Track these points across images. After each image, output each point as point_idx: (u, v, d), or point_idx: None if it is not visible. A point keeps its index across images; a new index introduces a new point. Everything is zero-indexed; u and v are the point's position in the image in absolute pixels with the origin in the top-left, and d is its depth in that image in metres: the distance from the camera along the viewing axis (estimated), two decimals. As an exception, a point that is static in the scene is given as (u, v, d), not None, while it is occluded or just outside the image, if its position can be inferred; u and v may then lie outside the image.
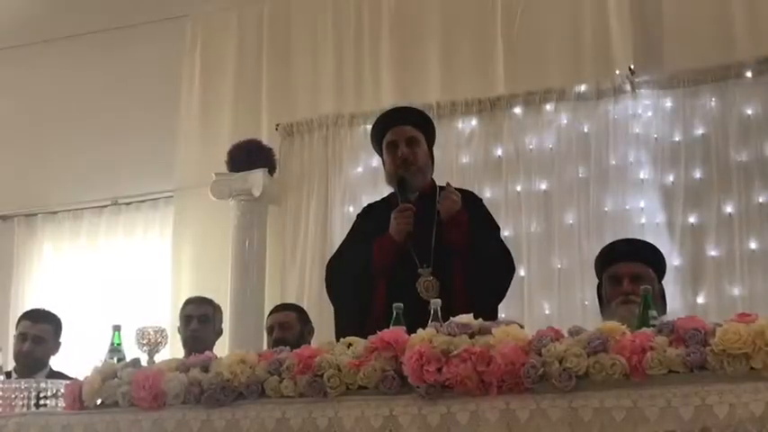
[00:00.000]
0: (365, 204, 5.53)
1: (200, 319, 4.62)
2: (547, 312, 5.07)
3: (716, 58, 5.16)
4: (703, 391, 2.25)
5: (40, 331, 4.51)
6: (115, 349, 3.10)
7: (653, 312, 2.65)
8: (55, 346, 4.60)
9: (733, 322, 2.33)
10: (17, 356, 4.48)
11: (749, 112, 5.02)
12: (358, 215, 3.98)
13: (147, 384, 2.77)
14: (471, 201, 3.80)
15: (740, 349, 2.25)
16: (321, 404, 2.57)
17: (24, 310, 5.04)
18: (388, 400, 2.52)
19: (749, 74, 5.03)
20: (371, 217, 3.79)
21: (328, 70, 6.13)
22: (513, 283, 5.17)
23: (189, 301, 4.82)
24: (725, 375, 2.26)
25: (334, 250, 5.51)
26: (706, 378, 2.28)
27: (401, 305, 2.87)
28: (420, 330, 2.61)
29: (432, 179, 3.79)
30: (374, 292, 3.50)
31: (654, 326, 2.49)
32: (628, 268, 3.43)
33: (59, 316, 4.71)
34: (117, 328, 3.15)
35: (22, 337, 4.48)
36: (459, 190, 3.84)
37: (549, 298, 5.21)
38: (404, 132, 3.68)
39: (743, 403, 2.20)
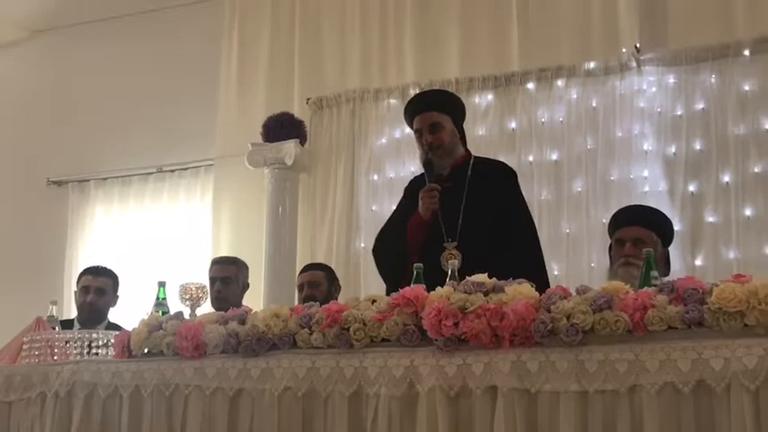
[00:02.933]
0: (390, 173, 5.57)
1: (222, 281, 4.62)
2: (556, 273, 5.05)
3: (716, 38, 5.12)
4: (700, 346, 2.25)
5: (102, 284, 4.57)
6: (160, 303, 3.14)
7: (654, 273, 2.64)
8: (113, 299, 4.66)
9: (729, 283, 2.32)
10: (80, 308, 4.54)
11: (746, 88, 4.98)
12: (405, 188, 3.92)
13: (190, 335, 2.79)
14: (503, 178, 3.71)
15: (735, 307, 2.25)
16: (347, 355, 2.59)
17: (79, 267, 5.08)
18: (408, 352, 2.53)
19: (747, 52, 4.99)
20: (412, 193, 3.76)
21: (355, 48, 6.11)
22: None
23: (214, 262, 4.84)
24: (720, 331, 2.26)
25: (358, 215, 5.62)
26: (703, 334, 2.28)
27: (421, 265, 2.87)
28: (439, 288, 2.62)
29: (466, 151, 3.73)
30: (408, 267, 3.49)
31: (655, 285, 2.48)
32: (630, 232, 3.43)
33: (116, 272, 4.75)
34: (162, 284, 3.19)
35: (84, 290, 4.53)
36: (493, 162, 3.83)
37: (559, 260, 5.20)
38: (427, 119, 3.64)
39: (737, 357, 2.20)
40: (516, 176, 3.75)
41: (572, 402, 2.31)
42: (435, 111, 3.66)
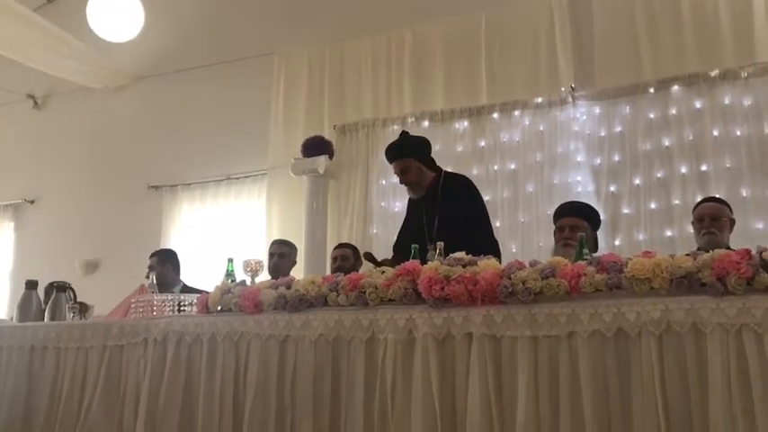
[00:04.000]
0: (394, 179, 5.54)
1: (279, 255, 4.61)
2: (514, 251, 5.05)
3: (629, 79, 5.11)
4: (619, 303, 2.25)
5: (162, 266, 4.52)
6: (229, 274, 3.13)
7: (586, 251, 2.63)
8: (176, 273, 4.64)
9: (639, 257, 2.31)
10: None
11: (651, 116, 4.95)
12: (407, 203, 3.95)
13: (250, 297, 2.80)
14: (463, 188, 3.69)
15: (644, 275, 2.24)
16: (364, 311, 2.60)
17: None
18: (408, 308, 2.54)
19: (652, 90, 4.96)
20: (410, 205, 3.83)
21: (368, 87, 6.11)
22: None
23: (273, 242, 4.83)
24: (634, 292, 2.25)
25: (372, 209, 5.62)
26: (621, 294, 2.27)
27: (417, 245, 2.86)
28: (429, 263, 2.61)
29: (437, 170, 3.71)
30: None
31: (587, 260, 2.47)
32: (568, 221, 3.41)
33: (179, 256, 4.75)
34: (230, 260, 3.18)
35: (150, 269, 4.40)
36: (455, 175, 3.79)
37: (516, 242, 5.19)
38: (397, 167, 3.66)
39: (646, 311, 2.20)
40: (472, 185, 3.73)
41: (526, 344, 2.31)
42: (400, 158, 3.63)
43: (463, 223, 3.39)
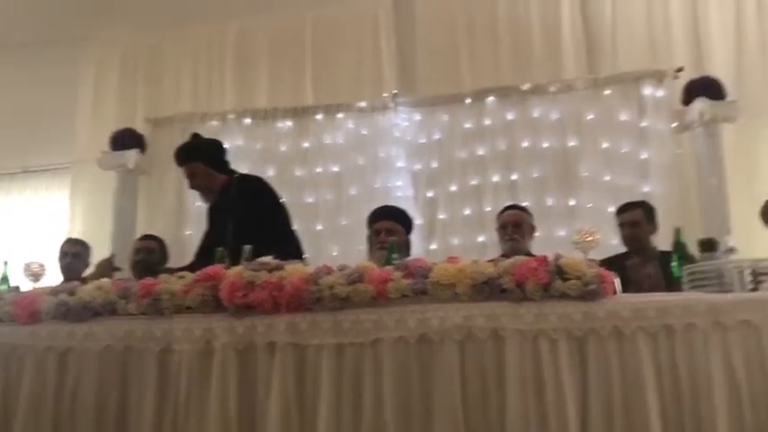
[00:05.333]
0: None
1: (73, 255, 4.21)
2: (335, 254, 4.97)
3: (448, 89, 5.22)
4: (424, 309, 2.23)
5: None
6: (4, 279, 2.75)
7: (395, 255, 2.60)
8: None
9: (444, 263, 2.31)
10: None
11: (468, 125, 5.08)
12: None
13: (26, 305, 2.48)
14: (258, 189, 3.52)
15: (448, 280, 2.24)
16: (158, 320, 2.39)
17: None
18: (207, 317, 2.36)
19: (469, 100, 5.10)
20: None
21: (187, 80, 5.80)
22: (312, 233, 5.16)
23: (66, 241, 4.40)
24: (438, 298, 2.24)
25: (186, 209, 5.30)
26: (426, 300, 2.25)
27: (222, 248, 2.68)
28: (233, 267, 2.45)
29: (229, 173, 3.53)
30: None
31: (395, 265, 2.43)
32: (383, 224, 3.40)
33: None
34: (6, 263, 2.80)
35: None
36: (248, 176, 3.65)
37: (338, 244, 5.12)
38: (185, 172, 3.50)
39: (449, 316, 2.20)
40: (266, 184, 3.59)
41: (331, 352, 2.23)
42: (188, 163, 3.47)
43: (256, 224, 3.23)
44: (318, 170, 5.32)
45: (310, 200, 5.25)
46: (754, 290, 2.19)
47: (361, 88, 5.46)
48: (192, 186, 3.47)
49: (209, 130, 5.31)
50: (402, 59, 5.46)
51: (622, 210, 3.74)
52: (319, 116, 5.38)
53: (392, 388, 2.14)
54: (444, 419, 2.09)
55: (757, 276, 2.20)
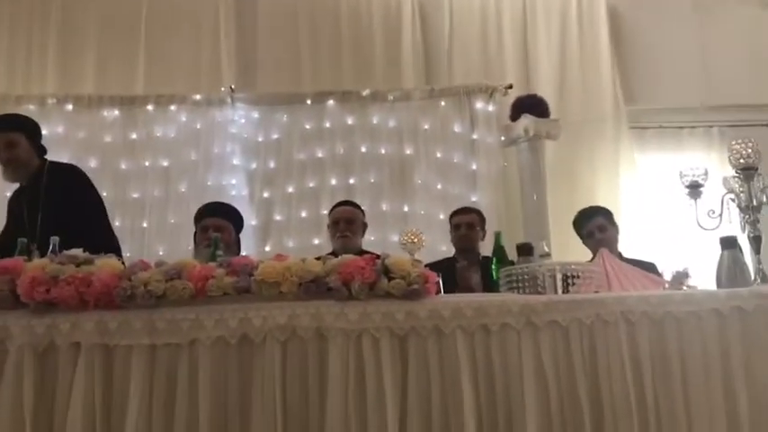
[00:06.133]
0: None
1: None
2: (161, 253, 4.72)
3: (290, 87, 5.17)
4: (246, 308, 2.14)
5: None
6: None
7: (219, 252, 2.49)
8: None
9: (271, 260, 2.25)
10: None
11: (307, 126, 5.06)
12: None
13: None
14: (74, 179, 3.27)
15: (274, 278, 2.17)
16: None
17: None
18: (2, 314, 2.13)
19: (309, 101, 5.08)
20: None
21: (2, 59, 5.27)
22: (137, 231, 4.89)
23: None
24: (262, 296, 2.17)
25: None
26: (250, 298, 2.17)
27: (26, 240, 2.44)
28: (37, 260, 2.23)
29: (42, 160, 3.25)
30: None
31: (219, 262, 2.33)
32: (210, 221, 3.30)
33: None
34: None
35: None
36: (61, 164, 3.38)
37: (165, 243, 4.87)
38: (4, 140, 3.14)
39: (273, 316, 2.13)
40: (83, 174, 3.34)
41: (143, 354, 2.08)
42: (9, 132, 3.14)
43: (68, 216, 2.99)
44: (146, 164, 5.05)
45: (136, 195, 4.98)
46: (565, 292, 2.32)
47: (197, 81, 5.27)
48: (8, 159, 3.11)
49: (25, 113, 4.86)
50: (242, 54, 5.34)
51: (459, 212, 3.90)
52: (150, 107, 5.11)
53: (208, 391, 2.04)
54: (262, 422, 2.02)
55: (568, 279, 2.34)
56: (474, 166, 4.99)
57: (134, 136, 5.08)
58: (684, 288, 2.44)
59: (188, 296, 2.14)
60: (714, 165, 4.59)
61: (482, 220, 3.90)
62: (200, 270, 2.19)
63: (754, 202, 2.51)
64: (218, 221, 3.28)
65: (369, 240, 4.42)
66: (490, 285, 2.69)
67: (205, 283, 2.16)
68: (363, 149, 5.03)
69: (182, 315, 2.11)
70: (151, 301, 2.12)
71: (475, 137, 5.03)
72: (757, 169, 2.51)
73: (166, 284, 2.14)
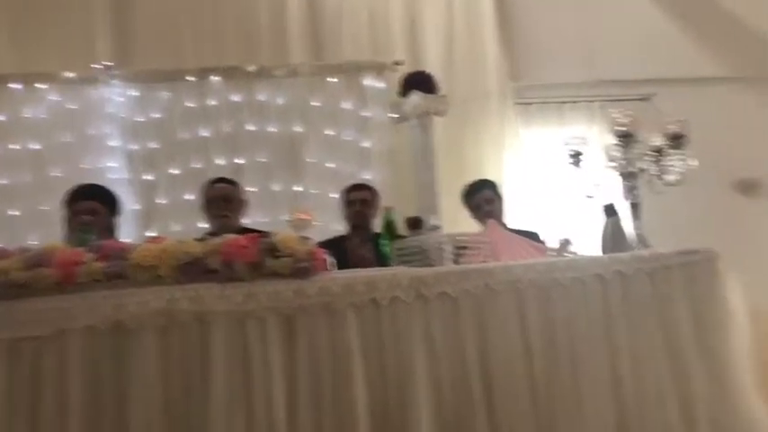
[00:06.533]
0: None
1: None
2: (33, 243, 4.37)
3: (170, 64, 4.89)
4: (120, 294, 2.00)
5: None
6: None
7: (92, 237, 2.32)
8: None
9: (146, 243, 2.11)
10: None
11: (191, 104, 4.82)
12: None
13: None
14: None
15: (150, 262, 2.05)
16: None
17: None
18: None
19: (192, 78, 4.84)
20: None
21: None
22: (5, 219, 4.56)
23: None
24: (138, 282, 2.03)
25: None
26: (124, 284, 2.03)
27: None
28: None
29: None
30: None
31: (88, 246, 2.17)
32: (83, 205, 3.08)
33: None
34: None
35: None
36: None
37: (37, 231, 4.51)
38: None
39: (148, 301, 1.99)
40: None
41: (2, 350, 1.90)
42: None
43: None
44: (15, 147, 4.68)
45: (4, 181, 4.62)
46: (455, 263, 2.32)
47: (69, 57, 4.88)
48: None
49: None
50: (118, 29, 4.99)
51: (353, 189, 3.86)
52: (16, 85, 4.73)
53: (79, 386, 1.89)
54: (140, 415, 1.89)
55: (457, 251, 2.34)
56: (366, 144, 4.94)
57: (1, 118, 4.70)
58: (567, 255, 2.50)
59: (54, 284, 1.97)
60: (596, 138, 4.75)
61: (375, 197, 3.87)
62: (68, 256, 2.03)
63: (633, 169, 2.59)
64: (90, 205, 3.07)
65: (260, 222, 4.31)
66: (381, 261, 2.65)
67: (73, 269, 1.99)
68: (251, 128, 4.86)
69: (47, 305, 1.94)
70: (12, 292, 1.94)
71: (366, 114, 4.98)
72: (635, 136, 2.59)
73: (29, 273, 1.96)
